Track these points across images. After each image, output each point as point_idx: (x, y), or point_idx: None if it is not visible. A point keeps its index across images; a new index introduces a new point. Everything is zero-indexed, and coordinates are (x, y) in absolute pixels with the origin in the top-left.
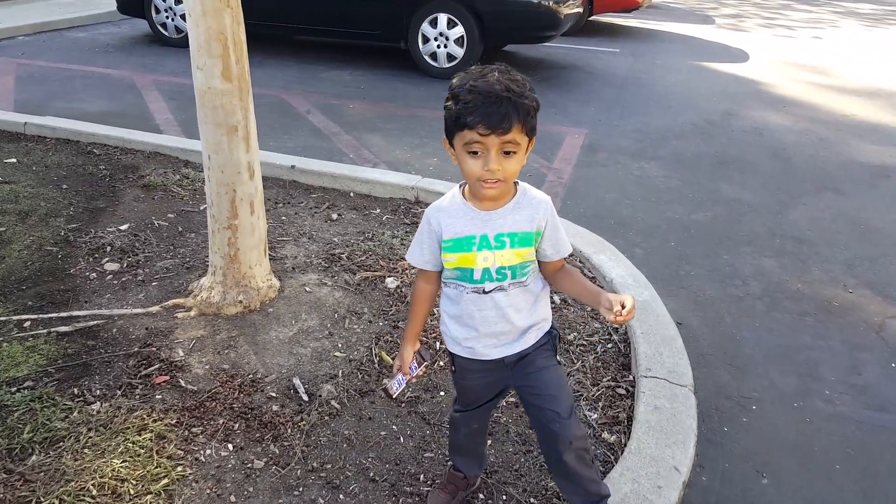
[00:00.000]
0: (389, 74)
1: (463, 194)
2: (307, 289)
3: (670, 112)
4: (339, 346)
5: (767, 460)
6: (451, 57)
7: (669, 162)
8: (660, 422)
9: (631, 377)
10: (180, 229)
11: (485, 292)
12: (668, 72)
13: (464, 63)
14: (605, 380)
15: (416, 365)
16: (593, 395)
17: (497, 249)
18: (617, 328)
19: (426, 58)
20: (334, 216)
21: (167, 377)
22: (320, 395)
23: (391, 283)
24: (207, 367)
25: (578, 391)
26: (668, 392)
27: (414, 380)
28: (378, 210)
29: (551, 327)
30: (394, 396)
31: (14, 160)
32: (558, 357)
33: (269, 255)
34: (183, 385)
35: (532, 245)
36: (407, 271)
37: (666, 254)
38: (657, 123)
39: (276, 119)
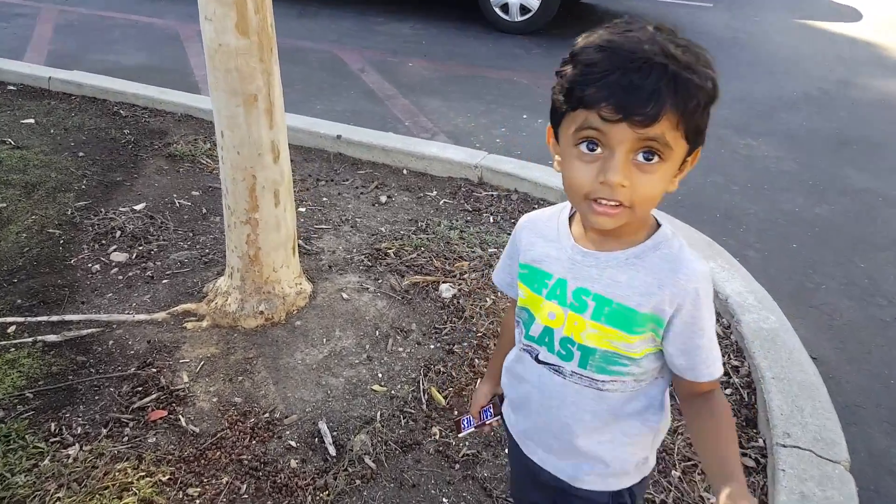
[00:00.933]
0: (454, 28)
1: (572, 217)
2: (344, 295)
3: (776, 79)
4: (379, 375)
5: None
6: (524, 9)
7: (781, 139)
8: None
9: (761, 441)
10: (204, 211)
11: (537, 359)
12: (769, 31)
13: (539, 15)
14: None
15: (490, 411)
16: None
17: (572, 311)
18: (738, 366)
19: (496, 9)
20: (383, 198)
21: (165, 412)
22: (351, 449)
23: (446, 291)
24: (215, 399)
25: (690, 458)
26: (816, 471)
27: (487, 429)
28: (434, 192)
29: (628, 489)
30: (460, 435)
31: (32, 121)
32: None
33: (303, 248)
34: (183, 424)
35: (634, 332)
36: (466, 277)
37: (787, 259)
38: (762, 92)
39: (325, 78)
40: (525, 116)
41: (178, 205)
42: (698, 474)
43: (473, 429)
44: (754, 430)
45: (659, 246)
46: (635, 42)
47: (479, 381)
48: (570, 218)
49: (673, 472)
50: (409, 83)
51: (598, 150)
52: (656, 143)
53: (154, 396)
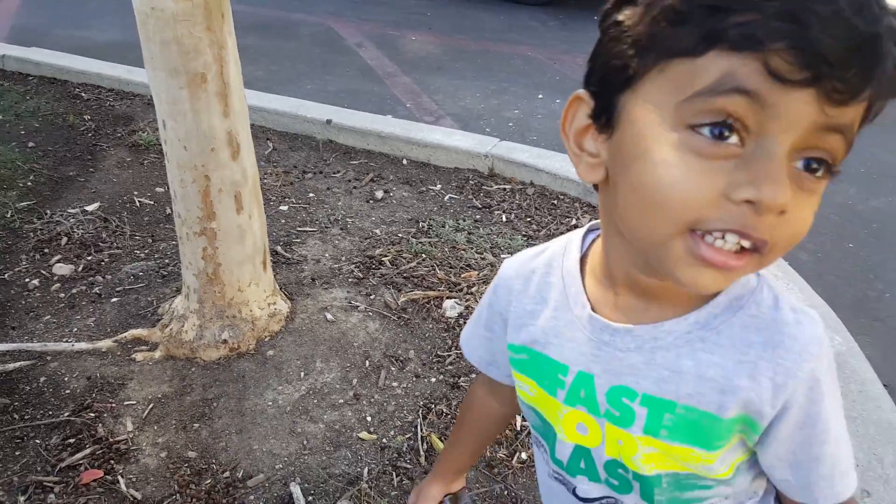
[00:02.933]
0: None
1: (582, 258)
2: (329, 315)
3: None
4: (368, 419)
5: None
6: None
7: None
8: None
9: None
10: (168, 211)
11: (576, 496)
12: None
13: None
14: None
15: None
16: None
17: (611, 423)
18: None
19: None
20: (379, 194)
21: (101, 472)
22: None
23: (451, 309)
24: (164, 454)
25: None
26: None
27: None
28: (439, 185)
29: None
30: None
31: None
32: None
33: (282, 256)
34: (123, 489)
35: (716, 447)
36: (475, 291)
37: (845, 262)
38: None
39: (318, 54)
40: (541, 97)
41: (137, 204)
42: None
43: None
44: None
45: (740, 303)
46: None
47: (423, 479)
48: (581, 265)
49: None
50: (411, 59)
51: (733, 138)
52: (842, 140)
53: (88, 451)
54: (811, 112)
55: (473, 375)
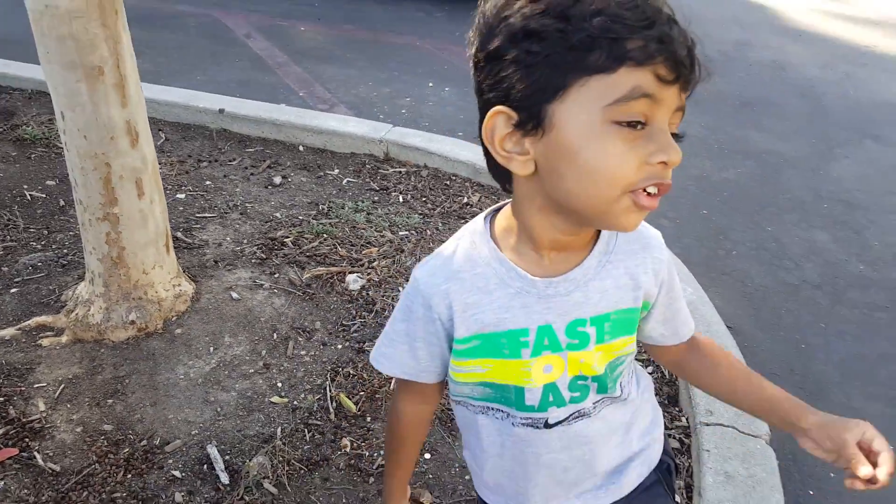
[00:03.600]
0: None
1: (493, 237)
2: (234, 294)
3: None
4: (279, 385)
5: None
6: None
7: (687, 104)
8: (736, 500)
9: (684, 419)
10: (62, 203)
11: (548, 425)
12: None
13: None
14: None
15: None
16: None
17: (572, 351)
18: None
19: None
20: (277, 179)
21: (16, 450)
22: (247, 474)
23: (354, 282)
24: (80, 429)
25: None
26: (739, 448)
27: None
28: (336, 170)
29: (663, 453)
30: None
31: None
32: (676, 497)
33: (183, 241)
34: (40, 463)
35: (634, 331)
36: (376, 265)
37: (700, 226)
38: None
39: (206, 45)
40: (431, 85)
41: (29, 198)
42: None
43: None
44: (677, 409)
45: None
46: None
47: None
48: (495, 244)
49: None
50: (302, 49)
51: (639, 126)
52: (682, 114)
53: (1, 432)
54: (676, 99)
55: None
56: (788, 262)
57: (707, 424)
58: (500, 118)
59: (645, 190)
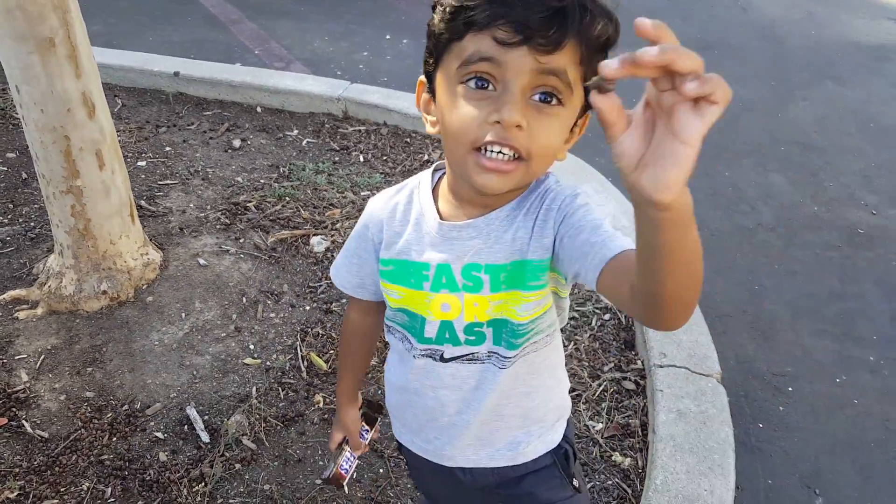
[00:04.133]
0: None
1: (435, 191)
2: (201, 260)
3: None
4: (251, 347)
5: (818, 468)
6: None
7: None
8: (687, 435)
9: (639, 362)
10: (24, 176)
11: (442, 359)
12: None
13: None
14: (606, 368)
15: (366, 429)
16: (594, 395)
17: (468, 293)
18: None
19: None
20: (237, 143)
21: (5, 419)
22: (226, 432)
23: (318, 244)
24: (63, 397)
25: (575, 388)
26: (692, 387)
27: (367, 448)
28: (295, 131)
29: (563, 437)
30: (345, 484)
31: None
32: (576, 482)
33: (147, 210)
34: (29, 430)
35: (541, 286)
36: (339, 226)
37: None
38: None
39: (158, 4)
40: (388, 37)
41: None
42: (583, 403)
43: (357, 463)
44: (633, 353)
45: (532, 189)
46: None
47: (334, 415)
48: (434, 193)
49: None
50: (255, 4)
51: (490, 87)
52: (558, 80)
53: None
54: (529, 62)
55: (344, 301)
56: (745, 206)
57: (661, 366)
58: (422, 86)
59: (486, 150)
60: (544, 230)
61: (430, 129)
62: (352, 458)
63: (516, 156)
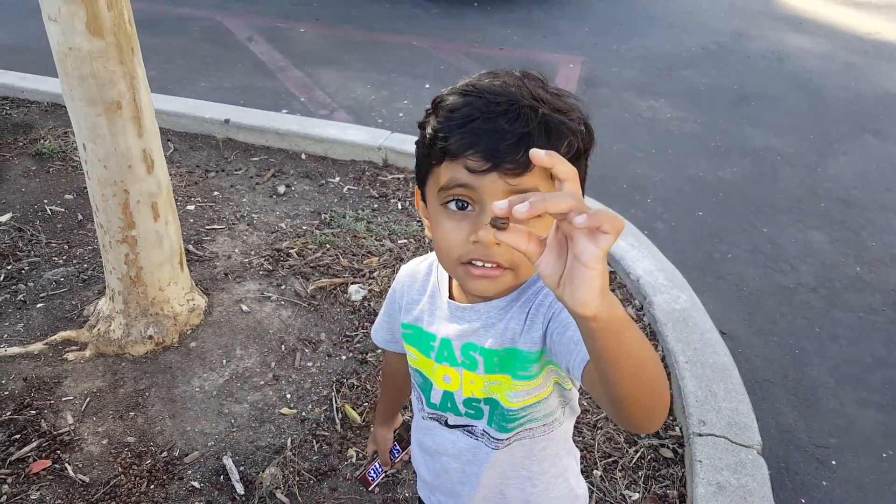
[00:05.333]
0: None
1: None
2: (244, 307)
3: (674, 32)
4: (288, 396)
5: None
6: None
7: (682, 98)
8: None
9: (678, 429)
10: (80, 217)
11: (447, 424)
12: None
13: None
14: (644, 434)
15: (397, 448)
16: (631, 462)
17: (466, 369)
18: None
19: None
20: (281, 189)
21: (49, 461)
22: (261, 485)
23: (356, 293)
24: (106, 441)
25: (610, 454)
26: (731, 459)
27: (397, 465)
28: (337, 178)
29: None
30: (370, 489)
31: None
32: None
33: (194, 254)
34: (71, 474)
35: (531, 376)
36: (376, 275)
37: (695, 228)
38: (662, 47)
39: (209, 50)
40: (427, 87)
41: (49, 212)
42: (619, 470)
43: (384, 475)
44: (671, 418)
45: (528, 286)
46: (500, 86)
47: (371, 432)
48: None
49: (594, 471)
50: (301, 52)
51: (469, 207)
52: (532, 195)
53: (35, 444)
54: (500, 185)
55: (378, 351)
56: (784, 264)
57: (700, 435)
58: (418, 193)
59: (472, 265)
60: (534, 324)
61: (428, 234)
62: (379, 469)
63: (500, 266)
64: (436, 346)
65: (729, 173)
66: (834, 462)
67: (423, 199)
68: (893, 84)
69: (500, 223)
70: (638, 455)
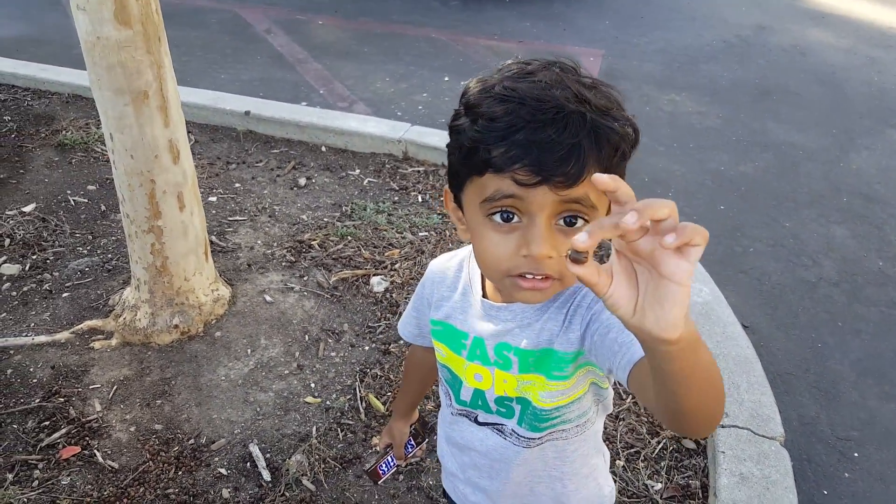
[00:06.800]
0: None
1: None
2: (267, 297)
3: (695, 26)
4: (312, 385)
5: None
6: None
7: (703, 92)
8: (750, 500)
9: None
10: (103, 208)
11: (476, 422)
12: None
13: None
14: (666, 427)
15: (412, 442)
16: (654, 453)
17: (499, 368)
18: None
19: None
20: (302, 181)
21: (78, 447)
22: (287, 471)
23: (378, 284)
24: (133, 428)
25: (633, 445)
26: (754, 450)
27: (408, 461)
28: (357, 170)
29: None
30: (380, 482)
31: None
32: None
33: (217, 245)
34: (100, 460)
35: (566, 377)
36: (398, 267)
37: (717, 223)
38: (682, 41)
39: (228, 42)
40: (447, 79)
41: (73, 203)
42: (641, 461)
43: (395, 469)
44: None
45: (567, 289)
46: (542, 88)
47: (385, 426)
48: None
49: (617, 461)
50: (320, 44)
51: (515, 218)
52: (580, 205)
53: (64, 431)
54: (550, 196)
55: (401, 342)
56: (806, 258)
57: (722, 426)
58: (449, 195)
59: (522, 278)
60: (572, 325)
61: (461, 235)
62: (391, 463)
63: (548, 277)
64: (468, 345)
65: (751, 168)
66: (856, 454)
67: (457, 203)
68: None
69: (581, 257)
70: (660, 446)
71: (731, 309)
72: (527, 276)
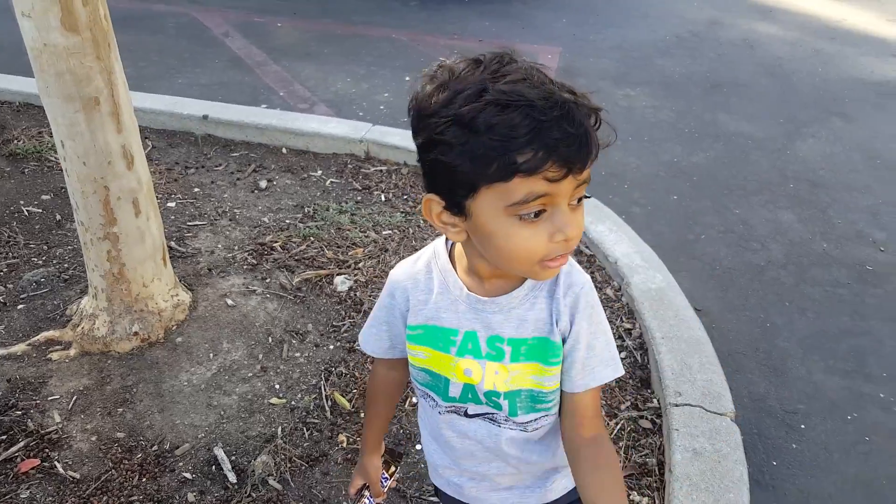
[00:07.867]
0: None
1: (451, 258)
2: (229, 301)
3: (649, 22)
4: (277, 387)
5: None
6: None
7: (657, 87)
8: (703, 474)
9: (655, 401)
10: (58, 217)
11: (466, 415)
12: None
13: None
14: (623, 406)
15: (385, 476)
16: (612, 433)
17: (490, 360)
18: (630, 328)
19: None
20: (263, 183)
21: (37, 460)
22: (253, 472)
23: (342, 284)
24: (95, 437)
25: None
26: (706, 426)
27: (385, 495)
28: (319, 171)
29: None
30: None
31: None
32: None
33: (176, 250)
34: (61, 471)
35: (558, 362)
36: (361, 266)
37: (669, 212)
38: (637, 37)
39: (185, 46)
40: (408, 79)
41: (26, 213)
42: None
43: None
44: (649, 391)
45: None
46: (538, 86)
47: (357, 459)
48: (451, 262)
49: None
50: (280, 46)
51: (546, 210)
52: (587, 183)
53: (22, 444)
54: (571, 183)
55: None
56: (755, 243)
57: (676, 405)
58: (432, 202)
59: (551, 261)
60: (560, 319)
61: (453, 237)
62: (372, 502)
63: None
64: (457, 341)
65: (702, 158)
66: (803, 426)
67: (457, 209)
68: (859, 69)
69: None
70: (618, 426)
71: (684, 294)
72: (556, 257)
